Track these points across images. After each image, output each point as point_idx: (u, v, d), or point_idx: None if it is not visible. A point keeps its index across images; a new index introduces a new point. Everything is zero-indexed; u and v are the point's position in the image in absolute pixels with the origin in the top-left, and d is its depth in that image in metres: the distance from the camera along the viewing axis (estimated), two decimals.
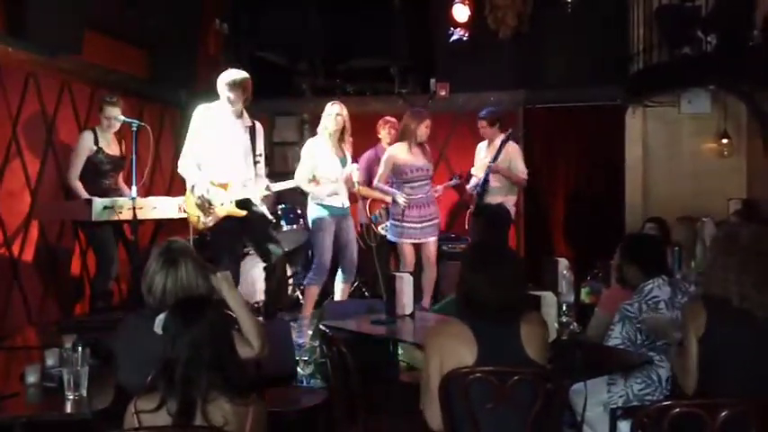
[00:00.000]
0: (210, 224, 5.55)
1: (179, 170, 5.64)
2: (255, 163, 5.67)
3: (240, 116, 5.63)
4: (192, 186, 5.55)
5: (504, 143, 7.11)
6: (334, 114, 6.30)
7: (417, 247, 6.58)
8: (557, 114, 8.66)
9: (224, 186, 5.55)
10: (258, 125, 5.77)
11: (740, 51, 6.42)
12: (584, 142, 8.65)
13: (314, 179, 6.32)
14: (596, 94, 8.45)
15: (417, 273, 6.77)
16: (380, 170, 6.54)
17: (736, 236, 3.04)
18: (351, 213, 6.60)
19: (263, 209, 5.77)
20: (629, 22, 7.96)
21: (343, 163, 6.41)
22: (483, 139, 7.42)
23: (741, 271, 2.95)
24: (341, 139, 6.39)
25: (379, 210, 7.24)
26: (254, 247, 6.04)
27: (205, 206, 5.52)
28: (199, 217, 5.56)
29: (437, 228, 6.69)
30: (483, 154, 7.34)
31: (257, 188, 5.66)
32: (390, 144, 6.92)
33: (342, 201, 6.40)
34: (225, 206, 5.53)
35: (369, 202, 7.15)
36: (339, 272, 6.50)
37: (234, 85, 5.47)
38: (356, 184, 6.44)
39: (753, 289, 2.92)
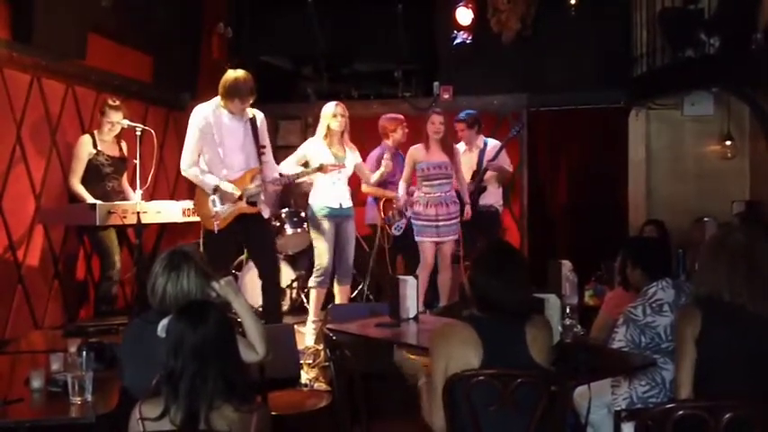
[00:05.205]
0: (222, 225, 5.46)
1: (183, 173, 5.59)
2: (261, 154, 5.58)
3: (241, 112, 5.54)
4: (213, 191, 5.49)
5: (508, 140, 7.36)
6: (339, 116, 6.23)
7: (436, 247, 6.53)
8: (560, 117, 8.65)
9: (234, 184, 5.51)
10: (258, 115, 5.64)
11: (743, 54, 6.41)
12: (587, 145, 8.64)
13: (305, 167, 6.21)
14: (599, 97, 8.44)
15: (434, 274, 6.73)
16: (405, 172, 6.57)
17: (724, 239, 3.04)
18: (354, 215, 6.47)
19: (265, 212, 5.72)
20: (632, 24, 7.95)
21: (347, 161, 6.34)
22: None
23: (731, 268, 2.95)
24: (341, 139, 6.30)
25: (392, 211, 7.04)
26: (252, 261, 5.95)
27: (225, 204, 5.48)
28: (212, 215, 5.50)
29: (456, 227, 6.57)
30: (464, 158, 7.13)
31: (269, 177, 5.60)
32: (395, 142, 7.10)
33: (340, 201, 6.27)
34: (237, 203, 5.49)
35: (383, 202, 6.98)
36: (336, 276, 6.39)
37: (243, 93, 5.39)
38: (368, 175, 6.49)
39: (744, 282, 2.92)
